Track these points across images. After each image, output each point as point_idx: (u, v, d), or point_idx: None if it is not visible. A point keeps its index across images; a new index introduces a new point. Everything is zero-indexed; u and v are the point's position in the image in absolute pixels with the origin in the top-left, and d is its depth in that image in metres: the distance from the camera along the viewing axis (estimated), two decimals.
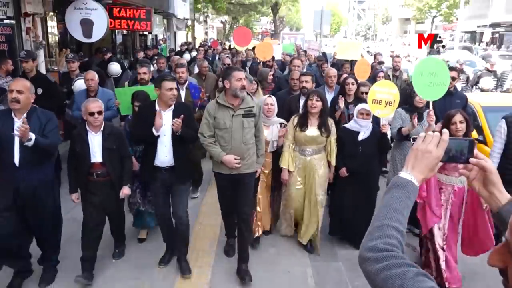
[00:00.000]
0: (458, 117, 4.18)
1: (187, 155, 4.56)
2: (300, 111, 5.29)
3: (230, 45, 22.75)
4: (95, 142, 4.19)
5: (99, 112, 4.14)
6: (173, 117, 4.20)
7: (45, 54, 8.45)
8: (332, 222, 5.24)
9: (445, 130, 1.44)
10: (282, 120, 5.12)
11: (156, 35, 17.43)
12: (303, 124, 4.78)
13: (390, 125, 5.37)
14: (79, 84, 6.26)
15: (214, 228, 5.53)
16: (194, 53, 14.27)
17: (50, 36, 10.50)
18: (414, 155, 1.43)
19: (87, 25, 8.23)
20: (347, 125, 5.08)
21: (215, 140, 4.35)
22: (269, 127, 4.95)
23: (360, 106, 5.03)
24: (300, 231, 5.11)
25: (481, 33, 36.36)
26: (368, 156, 4.88)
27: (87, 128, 4.20)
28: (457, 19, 39.36)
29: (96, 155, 4.19)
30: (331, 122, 4.94)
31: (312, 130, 4.78)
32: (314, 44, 13.47)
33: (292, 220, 5.14)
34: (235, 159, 4.28)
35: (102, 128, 4.22)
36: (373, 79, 7.17)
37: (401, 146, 5.46)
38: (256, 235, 5.11)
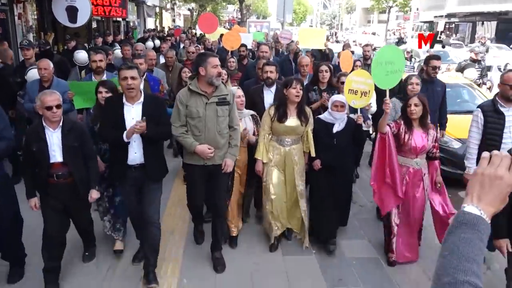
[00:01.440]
0: (414, 100, 4.27)
1: (158, 151, 4.17)
2: (265, 102, 5.19)
3: (196, 33, 22.34)
4: (53, 139, 3.70)
5: (58, 106, 3.64)
6: (143, 111, 3.82)
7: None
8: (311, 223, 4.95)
9: None
10: (253, 112, 4.93)
11: (127, 21, 18.11)
12: (282, 115, 4.54)
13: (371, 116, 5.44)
14: (32, 74, 5.76)
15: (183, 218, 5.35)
16: (158, 42, 13.38)
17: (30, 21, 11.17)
18: (480, 183, 1.16)
19: (72, 11, 8.99)
20: (321, 116, 4.87)
21: (187, 129, 4.10)
22: (241, 119, 4.71)
23: (335, 97, 4.77)
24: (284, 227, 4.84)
25: (437, 23, 38.37)
26: (342, 149, 4.71)
27: (44, 124, 3.69)
28: (411, 10, 41.54)
29: (56, 154, 3.70)
30: (308, 111, 4.74)
31: (292, 120, 4.57)
32: (286, 32, 13.09)
33: (271, 217, 4.75)
34: (209, 149, 4.05)
35: (61, 124, 3.73)
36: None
37: None
38: (234, 234, 4.85)
